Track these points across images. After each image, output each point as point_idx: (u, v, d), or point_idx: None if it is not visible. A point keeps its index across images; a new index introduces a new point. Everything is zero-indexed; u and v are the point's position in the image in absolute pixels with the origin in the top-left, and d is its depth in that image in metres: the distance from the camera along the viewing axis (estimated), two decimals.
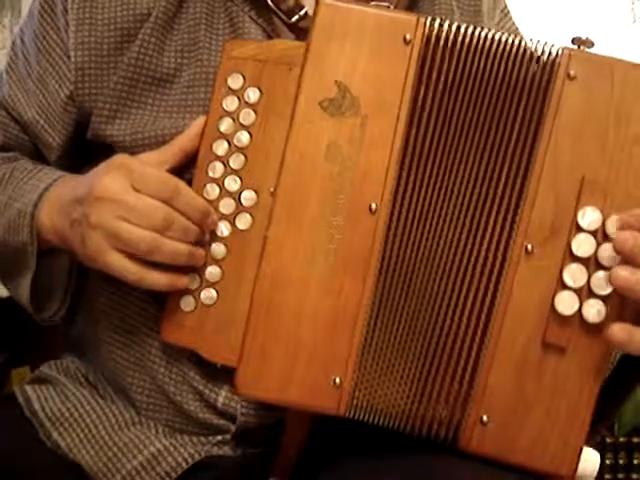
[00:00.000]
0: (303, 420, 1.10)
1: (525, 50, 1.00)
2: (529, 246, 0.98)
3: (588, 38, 1.02)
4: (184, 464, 1.08)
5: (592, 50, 1.02)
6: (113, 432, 1.10)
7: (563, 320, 0.96)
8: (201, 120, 1.07)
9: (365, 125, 0.99)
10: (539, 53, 1.00)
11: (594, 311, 0.95)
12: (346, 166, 0.99)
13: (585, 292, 0.96)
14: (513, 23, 1.31)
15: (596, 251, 0.96)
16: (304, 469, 1.12)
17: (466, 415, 0.97)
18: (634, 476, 2.48)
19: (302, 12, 1.12)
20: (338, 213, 0.99)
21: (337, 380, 0.98)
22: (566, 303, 0.96)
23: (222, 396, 1.09)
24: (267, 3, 1.13)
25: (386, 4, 1.04)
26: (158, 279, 1.01)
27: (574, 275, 0.96)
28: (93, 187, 0.99)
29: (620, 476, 2.48)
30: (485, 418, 0.97)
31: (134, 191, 0.98)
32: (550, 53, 0.99)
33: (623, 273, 0.92)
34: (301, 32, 1.12)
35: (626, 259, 0.93)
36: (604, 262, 0.96)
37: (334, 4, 1.02)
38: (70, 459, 1.10)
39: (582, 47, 1.02)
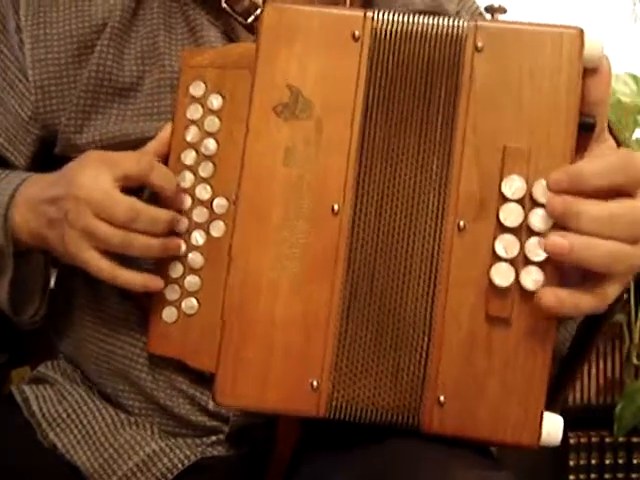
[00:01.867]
0: (294, 419, 1.09)
1: (442, 30, 0.97)
2: (461, 223, 0.95)
3: (501, 5, 1.00)
4: (180, 465, 1.08)
5: (504, 17, 1.00)
6: (109, 433, 1.10)
7: (502, 292, 0.94)
8: (169, 126, 1.07)
9: (320, 127, 0.97)
10: (450, 30, 0.97)
11: (531, 279, 0.93)
12: (305, 169, 0.97)
13: (521, 261, 0.94)
14: (474, 2, 1.28)
15: (525, 218, 0.93)
16: (298, 470, 1.11)
17: (424, 398, 0.96)
18: (634, 476, 2.45)
19: (257, 12, 1.10)
20: (301, 217, 0.97)
21: (314, 383, 0.97)
22: (502, 275, 0.94)
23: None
24: (221, 6, 1.11)
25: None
26: (133, 278, 1.02)
27: (506, 246, 0.93)
28: (71, 185, 1.00)
29: (620, 476, 2.45)
30: (442, 398, 0.95)
31: (111, 186, 0.99)
32: (459, 27, 0.97)
33: (556, 238, 0.89)
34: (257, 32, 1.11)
35: (559, 223, 0.91)
36: (535, 228, 0.93)
37: (279, 6, 0.99)
38: (67, 459, 1.10)
39: (495, 15, 1.00)
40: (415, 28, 0.98)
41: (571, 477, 2.45)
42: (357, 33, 0.98)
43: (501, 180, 0.95)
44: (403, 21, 0.98)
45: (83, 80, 1.12)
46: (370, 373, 0.98)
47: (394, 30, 0.98)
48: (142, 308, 1.10)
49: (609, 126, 1.01)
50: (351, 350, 0.98)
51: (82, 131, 1.12)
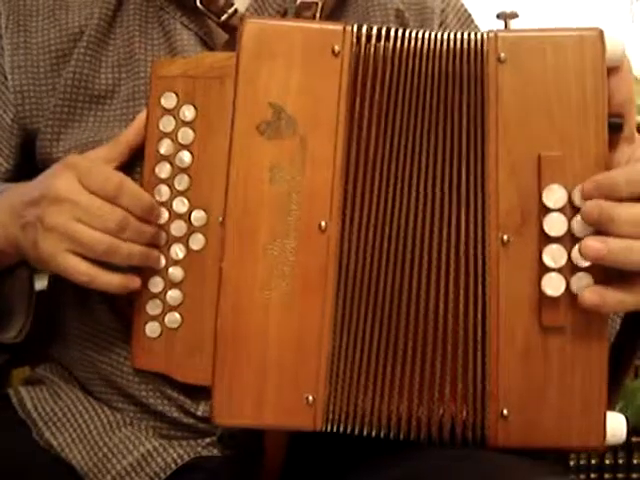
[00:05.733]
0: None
1: (454, 43, 0.95)
2: (504, 237, 0.94)
3: (513, 11, 0.97)
4: (173, 465, 1.07)
5: (516, 21, 0.98)
6: (104, 432, 1.09)
7: (555, 301, 0.93)
8: (143, 114, 1.04)
9: (305, 144, 0.95)
10: (467, 43, 0.96)
11: (582, 285, 0.93)
12: (291, 187, 0.95)
13: (569, 268, 0.93)
14: (459, 0, 1.26)
15: (569, 226, 0.93)
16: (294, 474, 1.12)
17: (486, 414, 0.95)
18: (634, 476, 2.48)
19: (231, 10, 1.08)
20: (289, 235, 0.95)
21: (310, 398, 0.96)
22: (553, 285, 0.93)
23: (202, 405, 1.08)
24: (196, 6, 1.08)
25: (310, 13, 1.02)
26: (110, 280, 0.99)
27: (554, 256, 0.93)
28: (47, 188, 0.97)
29: (620, 476, 2.49)
30: (505, 412, 0.95)
31: (86, 191, 0.96)
32: (477, 40, 0.95)
33: (591, 243, 0.90)
34: (234, 30, 1.07)
35: (596, 229, 0.91)
36: (579, 235, 0.92)
37: (259, 22, 0.96)
38: (62, 459, 1.08)
39: (507, 21, 0.97)
40: (413, 43, 0.96)
41: (572, 477, 2.46)
42: (337, 48, 0.94)
43: (540, 190, 0.93)
44: (396, 35, 0.96)
45: (60, 88, 1.10)
46: (374, 386, 0.98)
47: (378, 44, 0.95)
48: (126, 319, 1.08)
49: (638, 125, 1.00)
50: (347, 364, 0.97)
51: (59, 139, 1.10)
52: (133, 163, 1.05)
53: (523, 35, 0.96)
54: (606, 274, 0.93)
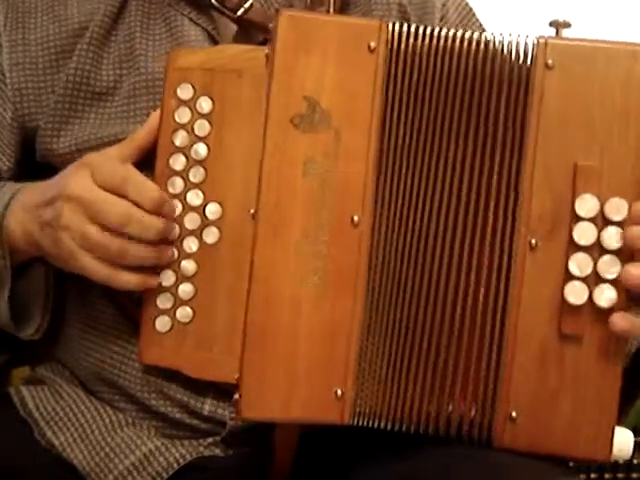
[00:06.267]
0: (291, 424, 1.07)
1: (496, 44, 0.97)
2: (533, 241, 0.95)
3: (565, 20, 0.98)
4: (175, 464, 1.06)
5: (568, 31, 0.99)
6: (106, 432, 1.07)
7: (576, 310, 0.94)
8: (157, 114, 1.02)
9: (339, 138, 0.95)
10: (513, 46, 0.97)
11: (605, 296, 0.94)
12: (324, 181, 0.95)
13: (593, 279, 0.94)
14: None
15: (598, 237, 0.94)
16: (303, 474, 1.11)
17: (495, 414, 0.96)
18: (634, 476, 2.51)
19: (247, 4, 1.07)
20: (321, 229, 0.95)
21: (338, 392, 0.96)
22: (576, 293, 0.94)
23: (208, 404, 1.07)
24: (207, 1, 1.07)
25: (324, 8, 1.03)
26: (129, 279, 0.98)
27: (580, 264, 0.94)
28: (63, 188, 0.96)
29: (620, 476, 2.55)
30: (514, 414, 0.96)
31: (97, 187, 0.95)
32: (526, 44, 0.96)
33: (633, 271, 0.92)
34: (246, 24, 1.07)
35: (636, 254, 0.93)
36: (608, 247, 0.94)
37: (294, 15, 0.96)
38: (64, 458, 1.06)
39: (560, 29, 0.98)
40: (442, 41, 0.97)
41: (581, 477, 2.49)
42: (372, 45, 0.95)
43: (574, 199, 0.94)
44: (426, 34, 0.97)
45: (60, 85, 1.08)
46: (402, 382, 0.99)
47: (413, 41, 0.97)
48: (131, 318, 1.06)
49: None
50: (376, 358, 0.98)
51: (59, 135, 1.08)
52: (149, 160, 1.03)
53: (574, 44, 0.97)
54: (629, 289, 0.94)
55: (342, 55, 0.95)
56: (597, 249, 0.94)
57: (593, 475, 2.55)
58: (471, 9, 1.25)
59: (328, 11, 1.08)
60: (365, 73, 0.96)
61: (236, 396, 0.98)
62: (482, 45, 0.97)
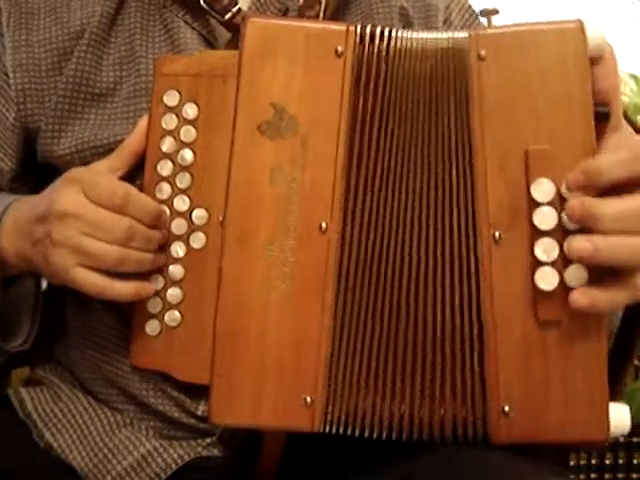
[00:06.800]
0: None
1: (440, 42, 0.96)
2: (496, 234, 0.93)
3: (494, 8, 0.98)
4: (173, 465, 1.06)
5: (497, 18, 0.98)
6: (104, 433, 1.09)
7: (549, 295, 0.92)
8: (144, 119, 1.03)
9: (306, 145, 0.94)
10: (452, 42, 0.96)
11: (576, 277, 0.92)
12: (292, 188, 0.94)
13: (561, 261, 0.92)
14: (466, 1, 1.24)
15: (560, 219, 0.92)
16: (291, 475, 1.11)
17: (488, 411, 0.95)
18: (634, 476, 2.46)
19: (235, 8, 1.07)
20: (289, 236, 0.94)
21: (308, 399, 0.95)
22: (547, 279, 0.92)
23: (202, 405, 1.07)
24: (200, 5, 1.08)
25: (313, 12, 1.02)
26: (124, 289, 0.98)
27: (546, 249, 0.92)
28: (53, 204, 0.96)
29: (620, 476, 2.45)
30: (507, 408, 0.94)
31: (92, 204, 0.95)
32: (458, 40, 0.95)
33: (576, 244, 0.89)
34: (237, 29, 1.06)
35: (582, 226, 0.90)
36: (571, 227, 0.92)
37: (262, 21, 0.95)
38: (63, 460, 1.08)
39: (490, 17, 0.98)
40: (406, 44, 0.95)
41: (571, 477, 2.43)
42: (340, 49, 0.94)
43: (529, 185, 0.93)
44: (391, 36, 0.95)
45: (61, 86, 1.10)
46: (377, 388, 0.97)
47: (380, 45, 0.95)
48: (126, 318, 1.07)
49: (624, 112, 0.99)
50: (347, 365, 0.97)
51: (60, 137, 1.10)
52: (138, 168, 1.05)
53: (503, 32, 0.95)
54: (600, 267, 0.91)
55: (309, 61, 0.95)
56: (560, 232, 0.92)
57: (593, 475, 2.44)
58: (474, 12, 1.22)
59: (318, 15, 1.07)
60: (332, 78, 0.95)
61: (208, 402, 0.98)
62: (432, 44, 0.96)
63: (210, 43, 1.11)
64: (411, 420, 0.97)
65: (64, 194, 0.97)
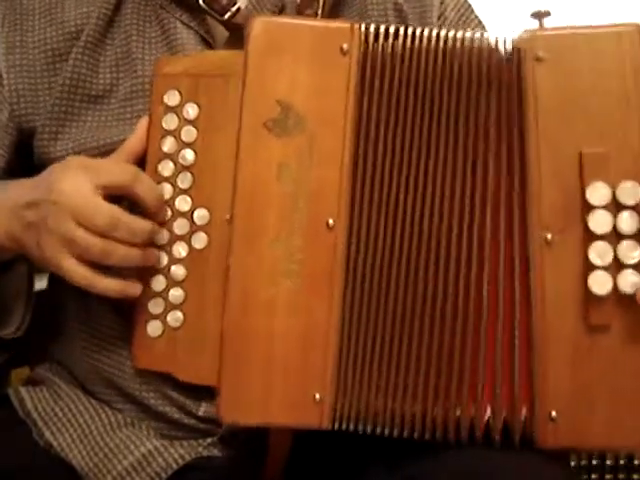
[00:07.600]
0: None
1: (481, 42, 0.96)
2: (548, 236, 0.93)
3: (546, 10, 0.97)
4: (174, 465, 1.06)
5: (549, 19, 0.98)
6: (105, 433, 1.08)
7: (601, 300, 0.92)
8: (145, 120, 1.03)
9: (313, 142, 0.94)
10: (499, 42, 0.95)
11: (629, 282, 0.92)
12: (299, 185, 0.94)
13: (615, 266, 0.92)
14: None
15: (614, 223, 0.92)
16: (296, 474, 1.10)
17: (535, 415, 0.94)
18: (635, 477, 2.46)
19: (234, 8, 1.07)
20: (296, 233, 0.95)
21: (317, 396, 0.95)
22: (600, 283, 0.92)
23: (203, 407, 1.07)
24: (199, 5, 1.07)
25: (312, 10, 1.02)
26: (109, 284, 0.98)
27: (599, 253, 0.92)
28: (51, 191, 0.96)
29: (620, 476, 2.46)
30: (554, 414, 0.93)
31: (92, 193, 0.95)
32: (512, 39, 0.95)
33: None
34: (236, 28, 1.06)
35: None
36: (625, 232, 0.92)
37: (267, 20, 0.96)
38: (63, 459, 1.07)
39: (541, 19, 0.97)
40: (424, 42, 0.96)
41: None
42: (345, 47, 0.94)
43: (584, 188, 0.92)
44: (399, 33, 0.96)
45: (57, 88, 1.09)
46: (386, 385, 0.97)
47: (387, 43, 0.95)
48: (126, 318, 1.06)
49: None
50: (356, 362, 0.97)
51: (57, 138, 1.09)
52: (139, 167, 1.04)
53: (561, 33, 0.96)
54: None
55: (315, 59, 0.95)
56: (615, 236, 0.92)
57: (594, 476, 2.46)
58: (470, 6, 1.22)
59: (316, 14, 1.07)
60: (338, 76, 0.95)
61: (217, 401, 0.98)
62: (467, 43, 0.96)
63: (207, 43, 1.10)
64: (423, 419, 0.97)
65: (64, 182, 0.97)
